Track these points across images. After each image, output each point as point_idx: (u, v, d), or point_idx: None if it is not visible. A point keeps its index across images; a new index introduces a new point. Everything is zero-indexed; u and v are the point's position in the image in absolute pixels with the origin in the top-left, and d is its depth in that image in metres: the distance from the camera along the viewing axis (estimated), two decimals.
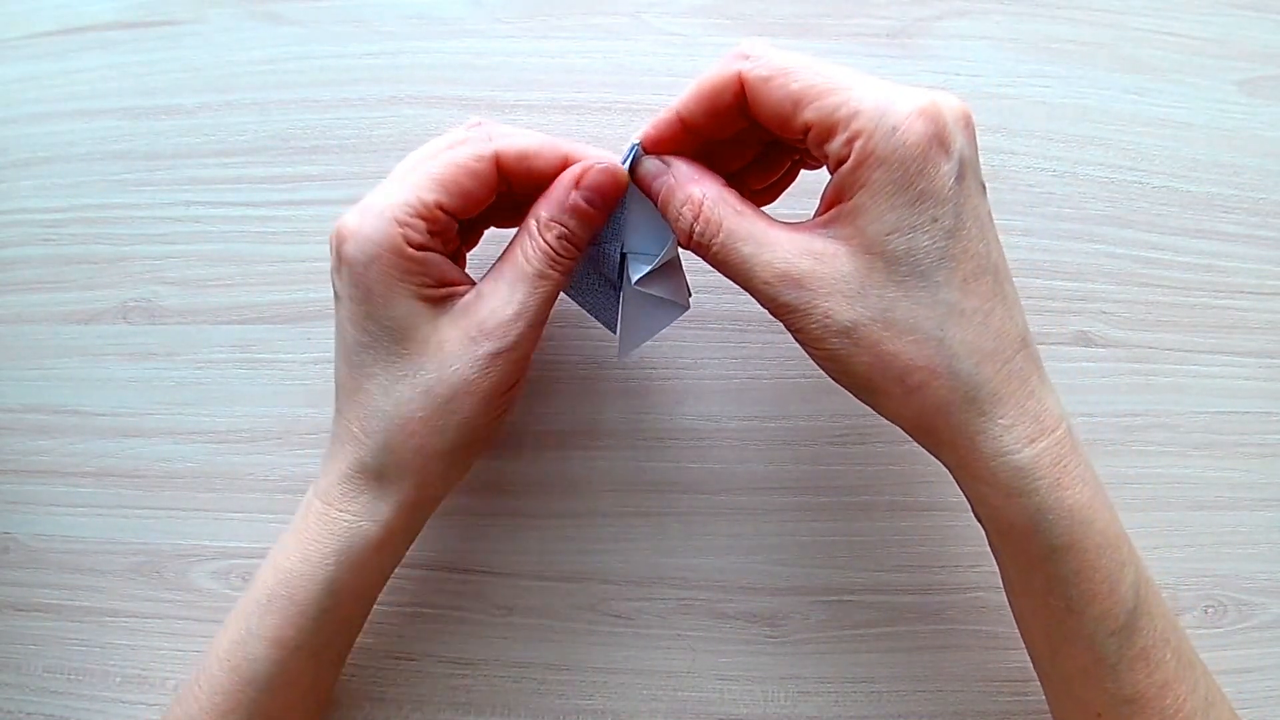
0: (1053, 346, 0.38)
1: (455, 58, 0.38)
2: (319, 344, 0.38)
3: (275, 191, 0.39)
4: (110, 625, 0.38)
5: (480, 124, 0.31)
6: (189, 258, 0.39)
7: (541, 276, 0.29)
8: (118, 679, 0.38)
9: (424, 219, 0.29)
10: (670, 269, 0.32)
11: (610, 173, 0.29)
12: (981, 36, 0.38)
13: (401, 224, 0.28)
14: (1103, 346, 0.38)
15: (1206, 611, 0.37)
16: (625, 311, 0.32)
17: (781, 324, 0.28)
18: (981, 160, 0.27)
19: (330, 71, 0.39)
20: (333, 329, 0.31)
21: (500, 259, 0.30)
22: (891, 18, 0.38)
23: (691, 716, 0.37)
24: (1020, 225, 0.38)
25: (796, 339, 0.28)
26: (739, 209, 0.28)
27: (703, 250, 0.28)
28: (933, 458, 0.29)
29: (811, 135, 0.27)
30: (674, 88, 0.37)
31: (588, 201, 0.29)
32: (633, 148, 0.30)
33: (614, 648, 0.37)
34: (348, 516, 0.30)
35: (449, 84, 0.38)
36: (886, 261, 0.26)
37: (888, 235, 0.26)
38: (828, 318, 0.26)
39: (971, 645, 0.36)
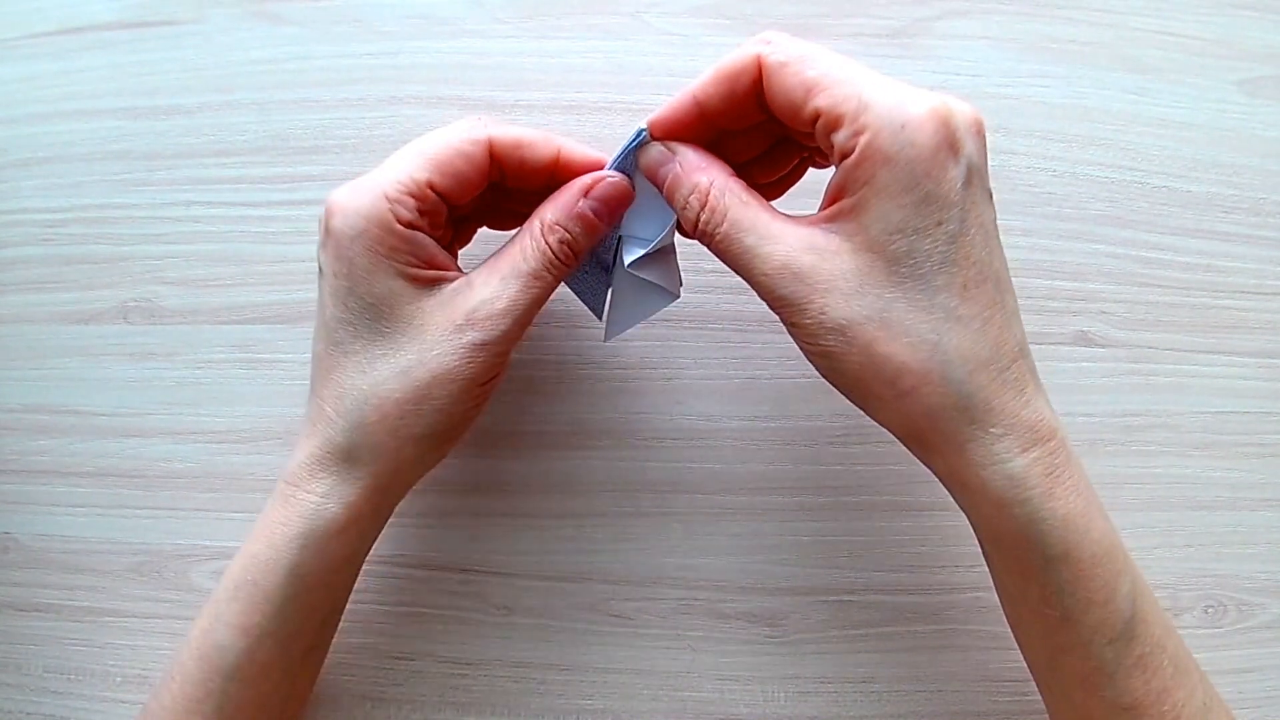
0: (1053, 346, 0.38)
1: (455, 58, 0.38)
2: None
3: (275, 191, 0.39)
4: (110, 625, 0.38)
5: (481, 118, 0.31)
6: (189, 258, 0.39)
7: (536, 277, 0.29)
8: (118, 679, 0.38)
9: (414, 196, 0.29)
10: (664, 255, 0.32)
11: (620, 187, 0.30)
12: (981, 36, 0.38)
13: (391, 200, 0.28)
14: (1103, 346, 0.38)
15: (1206, 611, 0.37)
16: (616, 294, 0.32)
17: (779, 318, 0.28)
18: None
19: (330, 71, 0.39)
20: None
21: (497, 254, 0.30)
22: (891, 18, 0.38)
23: (691, 716, 0.37)
24: (1020, 225, 0.38)
25: (792, 334, 0.28)
26: (744, 199, 0.28)
27: (706, 239, 0.28)
28: None
29: (820, 124, 0.26)
30: (674, 88, 0.37)
31: (594, 212, 0.29)
32: (639, 132, 0.29)
33: (614, 648, 0.37)
34: (313, 498, 0.30)
35: (449, 84, 0.38)
36: (887, 261, 0.26)
37: (890, 235, 0.26)
38: (823, 314, 0.26)
39: (971, 645, 0.36)
